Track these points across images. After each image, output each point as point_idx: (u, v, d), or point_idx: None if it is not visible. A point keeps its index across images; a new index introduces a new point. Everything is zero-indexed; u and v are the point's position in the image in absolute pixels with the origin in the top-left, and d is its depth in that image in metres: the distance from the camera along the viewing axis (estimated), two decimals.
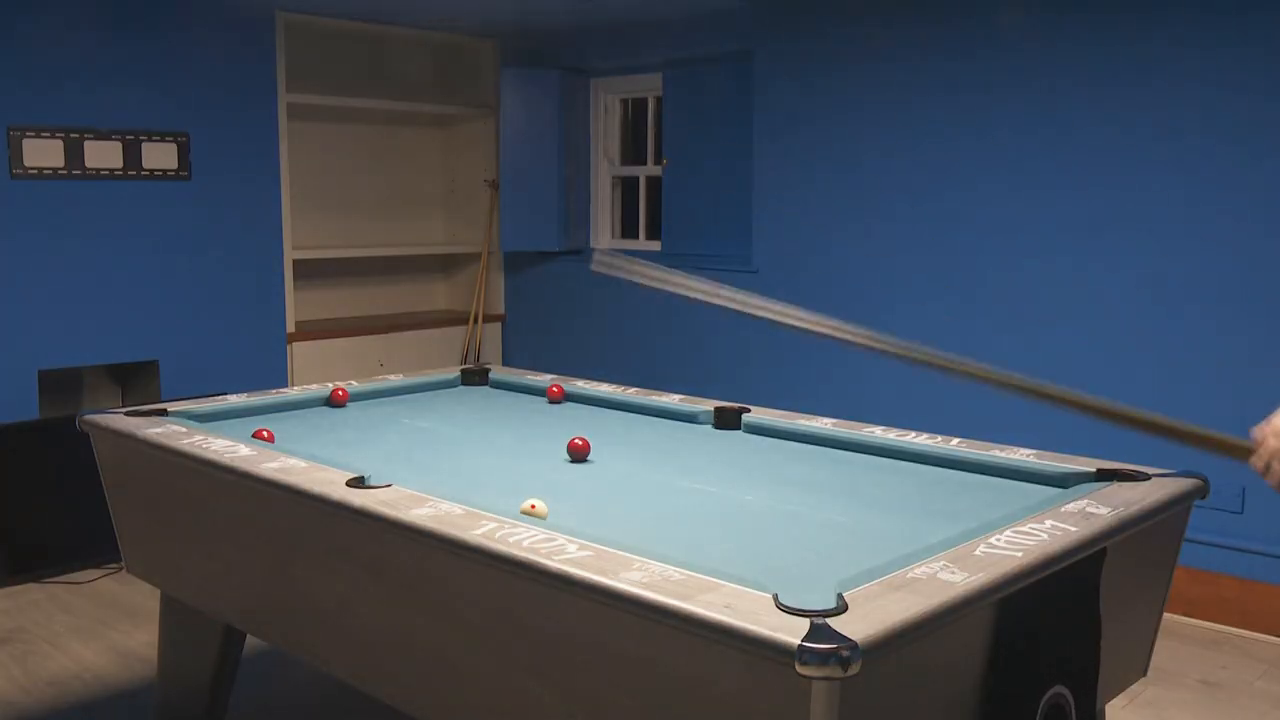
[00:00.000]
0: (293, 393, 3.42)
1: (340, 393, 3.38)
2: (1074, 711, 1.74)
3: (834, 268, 5.01)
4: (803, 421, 2.93)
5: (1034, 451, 2.56)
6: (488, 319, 6.41)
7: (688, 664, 1.62)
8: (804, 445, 2.85)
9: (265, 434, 2.81)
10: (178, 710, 3.05)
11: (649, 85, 5.95)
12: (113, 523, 3.01)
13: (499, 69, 6.15)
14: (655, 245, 6.02)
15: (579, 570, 1.74)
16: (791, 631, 1.47)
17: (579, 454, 2.69)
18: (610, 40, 5.86)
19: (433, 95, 6.42)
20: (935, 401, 4.64)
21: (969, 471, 2.54)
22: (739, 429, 3.03)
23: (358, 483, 2.26)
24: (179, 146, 5.06)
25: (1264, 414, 3.36)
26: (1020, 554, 1.79)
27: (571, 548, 1.84)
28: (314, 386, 3.48)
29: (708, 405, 3.14)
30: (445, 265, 6.72)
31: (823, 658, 1.42)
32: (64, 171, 4.73)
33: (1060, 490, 2.35)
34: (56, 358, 4.80)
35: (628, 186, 6.24)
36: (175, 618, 3.00)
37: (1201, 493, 2.28)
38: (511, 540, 1.89)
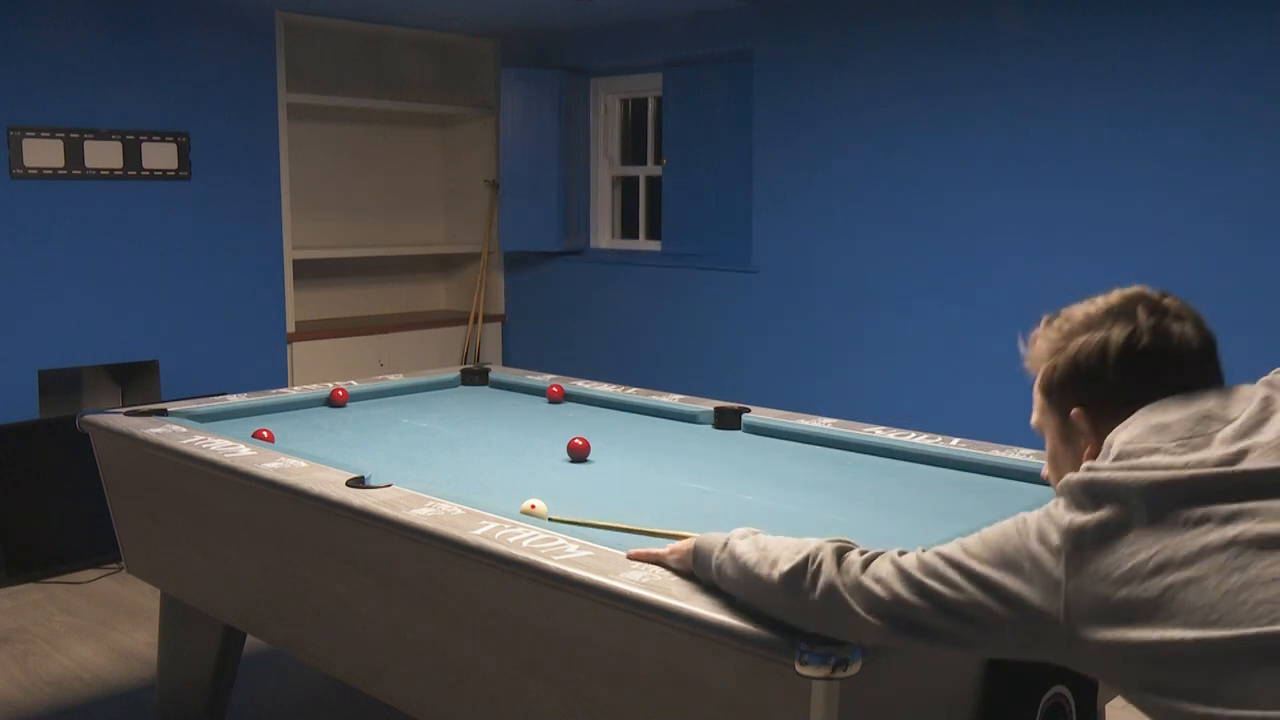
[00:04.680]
0: (293, 393, 3.41)
1: (340, 393, 3.38)
2: (1074, 711, 1.74)
3: (834, 268, 5.01)
4: (803, 421, 2.93)
5: (1034, 451, 2.56)
6: (488, 319, 6.41)
7: (688, 664, 1.62)
8: (804, 445, 2.84)
9: (265, 434, 2.81)
10: (178, 710, 3.05)
11: (649, 85, 5.95)
12: (113, 523, 3.01)
13: (499, 69, 6.15)
14: (655, 245, 6.03)
15: (579, 570, 1.74)
16: (791, 631, 1.47)
17: (579, 454, 2.69)
18: (610, 40, 5.86)
19: (433, 95, 6.42)
20: (935, 401, 4.64)
21: (969, 471, 2.54)
22: (739, 429, 3.03)
23: (358, 483, 2.26)
24: (179, 146, 5.05)
25: None
26: None
27: (571, 548, 1.84)
28: (314, 386, 3.48)
29: (708, 405, 3.14)
30: (445, 265, 6.72)
31: (823, 658, 1.42)
32: (64, 171, 4.73)
33: None
34: (56, 358, 4.80)
35: (628, 186, 6.24)
36: (175, 618, 3.00)
37: None
38: (511, 540, 1.89)
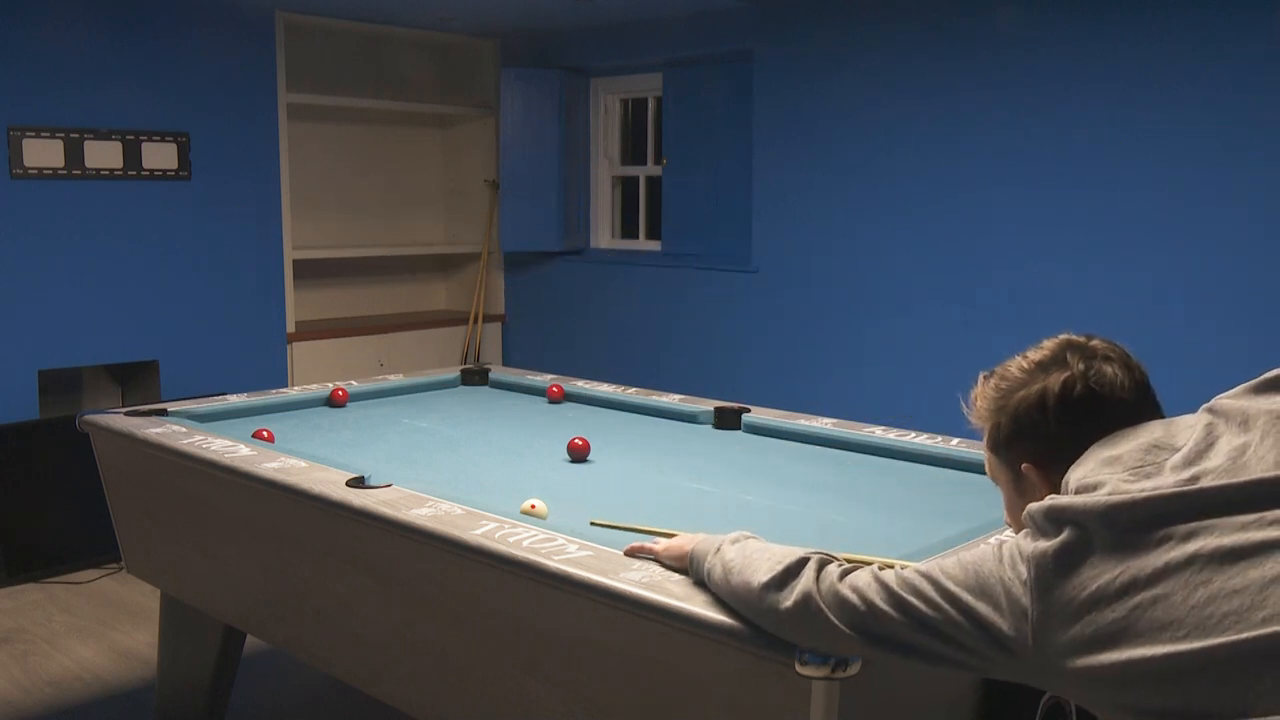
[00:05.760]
0: (293, 393, 3.41)
1: (340, 393, 3.38)
2: (1073, 712, 1.74)
3: (834, 268, 5.01)
4: (803, 421, 2.93)
5: None
6: (488, 319, 6.41)
7: (688, 664, 1.62)
8: (804, 445, 2.84)
9: (265, 434, 2.81)
10: (178, 710, 3.05)
11: (649, 85, 5.95)
12: (113, 523, 3.01)
13: (499, 69, 6.15)
14: (655, 245, 6.03)
15: (579, 570, 1.74)
16: None
17: (579, 454, 2.69)
18: (610, 40, 5.86)
19: (433, 95, 6.42)
20: (935, 401, 4.63)
21: (969, 471, 2.54)
22: (739, 429, 3.03)
23: (358, 483, 2.26)
24: (179, 146, 5.05)
25: None
26: None
27: (571, 548, 1.84)
28: (314, 386, 3.48)
29: (708, 405, 3.14)
30: (445, 265, 6.72)
31: (823, 658, 1.43)
32: (64, 171, 4.73)
33: None
34: (56, 358, 4.80)
35: (628, 186, 6.24)
36: (175, 618, 3.00)
37: None
38: (511, 540, 1.89)
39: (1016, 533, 1.35)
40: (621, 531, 1.99)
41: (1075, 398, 1.39)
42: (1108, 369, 1.41)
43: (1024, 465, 1.44)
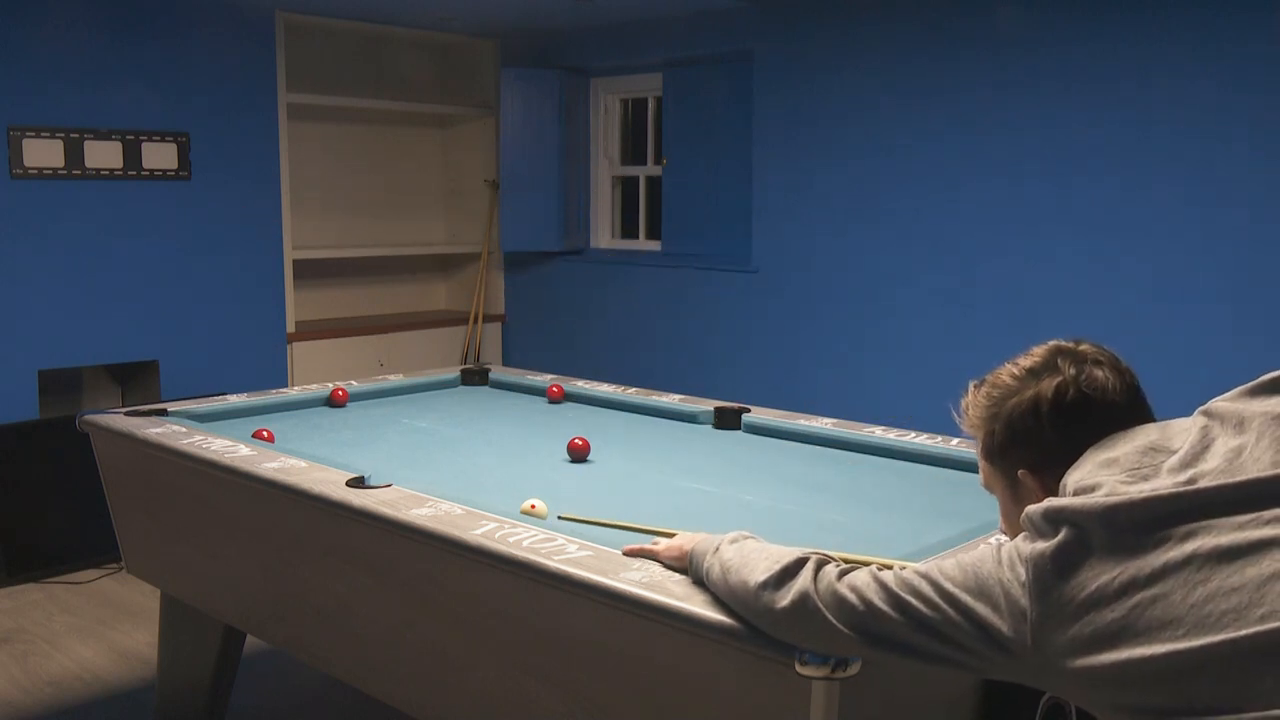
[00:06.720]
0: (293, 393, 3.42)
1: (340, 393, 3.38)
2: (1074, 712, 1.74)
3: (834, 268, 5.01)
4: (803, 421, 2.93)
5: None
6: (488, 319, 6.41)
7: (688, 664, 1.63)
8: (804, 445, 2.85)
9: (265, 434, 2.81)
10: (178, 710, 3.05)
11: (649, 85, 5.95)
12: (113, 523, 3.01)
13: (499, 69, 6.15)
14: (655, 245, 6.03)
15: (579, 570, 1.74)
16: None
17: (579, 454, 2.69)
18: (610, 40, 5.86)
19: (433, 95, 6.42)
20: (935, 401, 4.63)
21: (969, 471, 2.54)
22: (739, 429, 3.03)
23: (358, 483, 2.26)
24: (179, 146, 5.05)
25: None
26: None
27: (571, 548, 1.84)
28: (314, 386, 3.48)
29: (708, 405, 3.14)
30: (445, 265, 6.72)
31: (822, 658, 1.43)
32: (64, 171, 4.73)
33: None
34: (56, 358, 4.80)
35: (628, 186, 6.24)
36: (175, 618, 3.00)
37: None
38: (511, 540, 1.89)
39: (1012, 538, 1.35)
40: (593, 526, 2.00)
41: (1068, 402, 1.40)
42: (1099, 373, 1.41)
43: (1020, 471, 1.44)
